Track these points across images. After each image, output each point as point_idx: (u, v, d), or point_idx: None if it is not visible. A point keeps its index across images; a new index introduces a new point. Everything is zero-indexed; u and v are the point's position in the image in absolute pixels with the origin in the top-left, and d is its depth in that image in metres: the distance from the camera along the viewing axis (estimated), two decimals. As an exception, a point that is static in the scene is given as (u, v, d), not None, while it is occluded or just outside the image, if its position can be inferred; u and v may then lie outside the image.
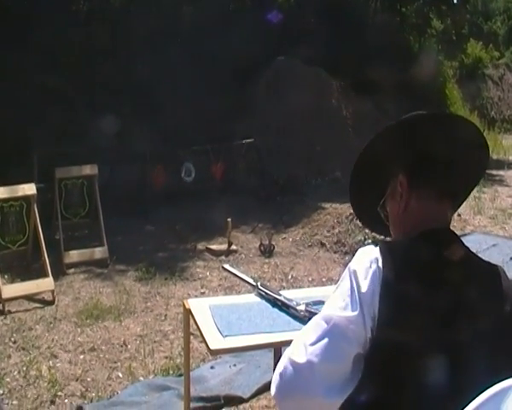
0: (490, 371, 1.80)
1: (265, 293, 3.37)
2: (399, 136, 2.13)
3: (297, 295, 3.36)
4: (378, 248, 1.93)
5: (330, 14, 17.09)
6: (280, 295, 3.32)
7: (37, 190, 7.83)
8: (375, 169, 2.21)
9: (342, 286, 1.92)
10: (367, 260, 1.91)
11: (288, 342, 3.09)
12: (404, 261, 1.91)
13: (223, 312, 3.21)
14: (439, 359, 1.81)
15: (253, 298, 3.43)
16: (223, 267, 4.14)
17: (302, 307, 3.13)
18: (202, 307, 3.28)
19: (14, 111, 10.84)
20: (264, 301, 3.33)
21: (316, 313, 2.53)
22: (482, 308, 1.88)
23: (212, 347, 2.90)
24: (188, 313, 3.29)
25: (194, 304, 3.36)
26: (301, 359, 1.85)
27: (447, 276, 1.89)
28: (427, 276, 1.90)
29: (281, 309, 3.23)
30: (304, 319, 3.07)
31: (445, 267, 1.91)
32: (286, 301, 3.23)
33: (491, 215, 11.13)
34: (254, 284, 3.49)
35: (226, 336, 2.96)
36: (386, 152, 2.15)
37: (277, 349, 3.29)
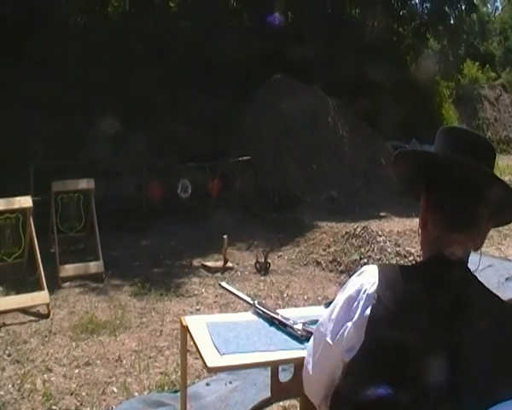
0: (489, 371, 1.84)
1: (262, 311, 3.37)
2: (420, 160, 2.22)
3: (294, 314, 3.36)
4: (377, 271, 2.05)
5: (327, 34, 17.19)
6: (277, 313, 3.32)
7: (34, 203, 7.81)
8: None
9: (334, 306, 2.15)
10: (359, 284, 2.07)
11: (284, 361, 3.12)
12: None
13: (220, 329, 3.20)
14: (439, 359, 1.84)
15: (250, 316, 3.42)
16: (220, 285, 4.16)
17: (299, 327, 3.13)
18: (199, 325, 3.27)
19: (11, 123, 10.87)
20: (261, 320, 3.33)
21: (312, 333, 2.56)
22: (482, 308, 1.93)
23: (209, 364, 2.90)
24: (185, 329, 3.28)
25: (191, 321, 3.35)
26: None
27: (447, 277, 1.96)
28: (428, 277, 1.98)
29: (278, 328, 3.23)
30: (301, 338, 3.08)
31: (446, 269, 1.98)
32: (283, 320, 3.23)
33: (487, 236, 11.11)
34: (251, 302, 3.49)
35: (224, 353, 2.96)
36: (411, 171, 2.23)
37: (274, 368, 3.29)
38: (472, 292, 1.96)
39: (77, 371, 5.79)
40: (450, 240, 2.03)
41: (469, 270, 2.02)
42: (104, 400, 5.27)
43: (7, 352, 6.14)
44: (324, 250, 9.73)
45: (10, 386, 5.43)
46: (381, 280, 2.01)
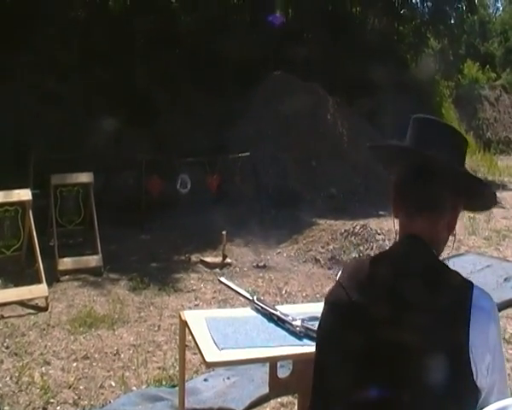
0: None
1: (261, 307, 3.38)
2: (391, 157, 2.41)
3: (292, 311, 3.37)
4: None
5: (328, 31, 17.19)
6: (276, 310, 3.33)
7: (33, 196, 7.79)
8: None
9: None
10: None
11: (283, 357, 3.12)
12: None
13: (219, 325, 3.21)
14: (439, 358, 1.85)
15: (249, 312, 3.43)
16: (219, 280, 4.16)
17: (298, 323, 3.14)
18: (198, 320, 3.29)
19: (11, 115, 10.86)
20: (260, 316, 3.34)
21: (311, 329, 2.59)
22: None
23: (208, 359, 2.91)
24: (184, 324, 3.30)
25: (190, 316, 3.36)
26: None
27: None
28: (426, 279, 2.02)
29: (277, 324, 3.24)
30: (300, 334, 3.09)
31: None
32: (282, 316, 3.24)
33: (486, 236, 11.13)
34: (250, 298, 3.50)
35: (222, 349, 2.97)
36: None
37: (273, 364, 3.30)
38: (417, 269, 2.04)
39: (75, 364, 5.80)
40: (413, 226, 2.12)
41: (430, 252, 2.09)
42: (102, 393, 5.28)
43: (5, 344, 6.15)
44: (323, 248, 9.73)
45: (8, 379, 5.43)
46: (344, 270, 2.22)
